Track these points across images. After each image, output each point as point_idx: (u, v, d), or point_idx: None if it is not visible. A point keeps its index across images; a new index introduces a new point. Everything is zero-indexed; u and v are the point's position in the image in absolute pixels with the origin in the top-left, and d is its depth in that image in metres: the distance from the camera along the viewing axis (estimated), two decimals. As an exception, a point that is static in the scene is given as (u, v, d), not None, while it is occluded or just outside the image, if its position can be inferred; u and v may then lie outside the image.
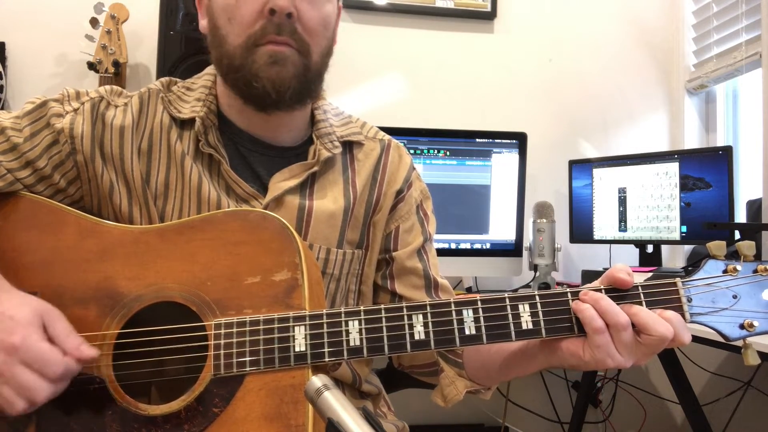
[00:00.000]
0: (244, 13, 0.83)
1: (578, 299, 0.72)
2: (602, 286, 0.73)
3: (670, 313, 0.69)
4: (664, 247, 2.11)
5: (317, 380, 0.57)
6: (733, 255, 0.74)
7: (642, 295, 0.71)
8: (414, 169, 1.04)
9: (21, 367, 0.67)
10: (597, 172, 2.10)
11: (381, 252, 0.99)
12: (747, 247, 0.72)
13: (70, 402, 0.72)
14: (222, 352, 0.72)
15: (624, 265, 0.73)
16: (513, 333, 0.72)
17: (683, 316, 0.71)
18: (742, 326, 0.71)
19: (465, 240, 2.00)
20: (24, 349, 0.67)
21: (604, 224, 2.08)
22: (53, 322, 0.71)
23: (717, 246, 0.73)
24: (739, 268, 0.72)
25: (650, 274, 1.63)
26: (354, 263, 0.95)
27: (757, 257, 0.73)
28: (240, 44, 0.83)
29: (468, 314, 0.72)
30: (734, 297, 0.72)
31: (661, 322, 0.68)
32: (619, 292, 0.72)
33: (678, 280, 0.72)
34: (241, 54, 0.83)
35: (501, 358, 0.84)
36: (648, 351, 0.70)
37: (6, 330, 0.67)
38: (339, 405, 0.55)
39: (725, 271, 0.72)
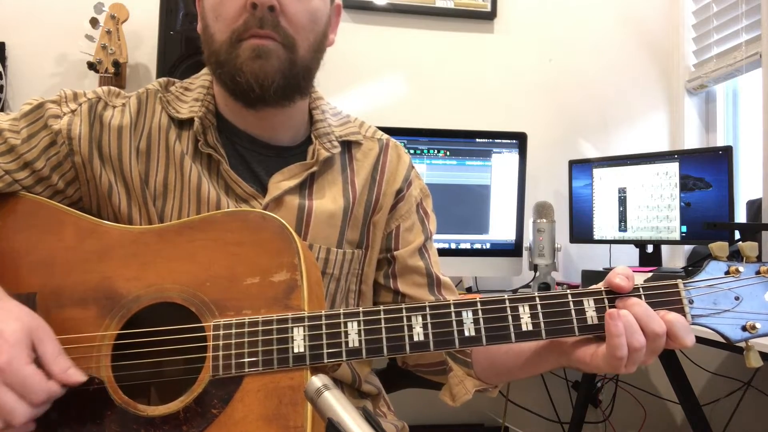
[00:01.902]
0: (228, 9, 0.83)
1: (616, 309, 0.70)
2: (603, 288, 0.73)
3: (673, 315, 0.69)
4: (664, 247, 2.11)
5: (317, 380, 0.57)
6: (734, 255, 0.74)
7: (643, 297, 0.71)
8: (413, 167, 1.03)
9: (3, 389, 0.65)
10: (597, 172, 2.10)
11: (382, 251, 0.99)
12: (750, 248, 0.72)
13: (69, 402, 0.71)
14: (221, 353, 0.72)
15: (624, 267, 0.73)
16: (513, 335, 0.72)
17: (685, 317, 0.71)
18: (744, 328, 0.71)
19: (465, 240, 2.00)
20: (9, 371, 0.65)
21: (604, 224, 2.08)
22: (43, 341, 0.69)
23: (719, 247, 0.73)
24: (741, 269, 0.72)
25: (650, 274, 1.63)
26: (354, 263, 0.95)
27: (759, 258, 0.73)
28: (225, 40, 0.84)
29: (467, 315, 0.72)
30: (736, 298, 0.71)
31: (655, 320, 0.68)
32: (620, 294, 0.72)
33: (679, 281, 0.72)
34: (226, 49, 0.84)
35: (511, 359, 0.84)
36: (647, 353, 0.70)
37: None
38: (339, 405, 0.55)
39: (727, 273, 0.72)
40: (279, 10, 0.82)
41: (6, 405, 0.65)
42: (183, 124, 0.89)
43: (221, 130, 0.91)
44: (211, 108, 0.91)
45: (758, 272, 0.72)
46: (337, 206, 0.92)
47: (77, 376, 0.70)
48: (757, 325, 0.70)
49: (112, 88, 0.92)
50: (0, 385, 0.65)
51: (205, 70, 0.95)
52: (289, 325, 0.72)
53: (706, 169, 1.86)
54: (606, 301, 0.72)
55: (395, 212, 0.99)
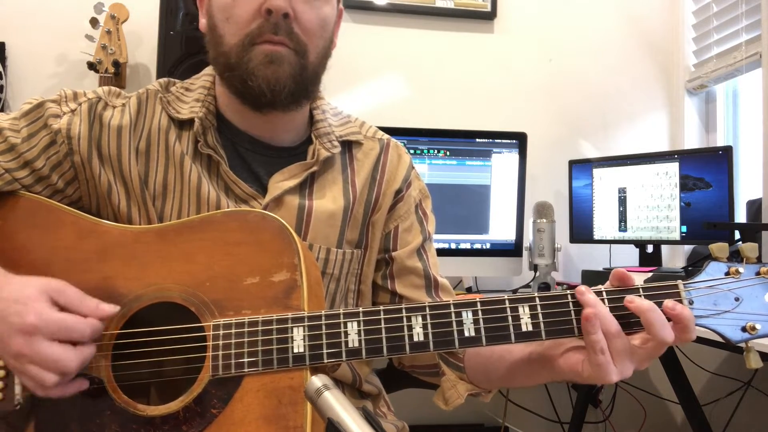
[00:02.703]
0: (241, 13, 0.83)
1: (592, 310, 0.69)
2: (603, 288, 0.73)
3: (686, 312, 0.69)
4: (664, 247, 2.11)
5: (317, 380, 0.57)
6: (734, 255, 0.74)
7: (643, 297, 0.71)
8: (413, 168, 1.03)
9: (45, 343, 0.67)
10: (597, 172, 2.10)
11: (380, 252, 0.99)
12: (750, 249, 0.72)
13: (69, 402, 0.72)
14: (220, 353, 0.72)
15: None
16: (512, 335, 0.72)
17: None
18: (744, 329, 0.71)
19: (465, 240, 2.00)
20: (44, 324, 0.67)
21: (604, 224, 2.08)
22: (61, 292, 0.71)
23: (719, 248, 0.73)
24: (741, 270, 0.72)
25: (650, 275, 1.63)
26: (353, 263, 0.95)
27: (759, 259, 0.73)
28: (236, 43, 0.83)
29: (467, 316, 0.72)
30: (736, 299, 0.71)
31: (666, 328, 0.68)
32: (621, 293, 0.71)
33: (680, 282, 0.72)
34: (237, 53, 0.83)
35: (503, 368, 0.84)
36: (646, 356, 0.70)
37: (17, 313, 0.67)
38: (339, 405, 0.55)
39: (727, 274, 0.72)
40: (293, 17, 0.83)
41: (53, 355, 0.67)
42: (183, 124, 0.89)
43: (221, 130, 0.91)
44: (212, 108, 0.91)
45: (758, 273, 0.72)
46: (337, 206, 0.92)
47: (110, 309, 0.72)
48: (757, 326, 0.70)
49: (113, 88, 0.92)
50: (42, 339, 0.67)
51: (206, 70, 0.95)
52: (289, 325, 0.72)
53: (706, 169, 1.86)
54: (606, 301, 0.71)
55: (394, 212, 0.99)
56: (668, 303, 0.69)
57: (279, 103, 0.86)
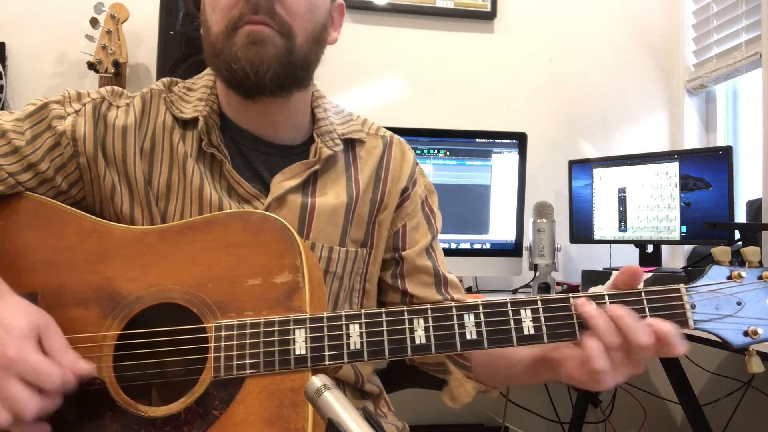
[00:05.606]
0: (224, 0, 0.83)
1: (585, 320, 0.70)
2: (605, 293, 0.72)
3: (665, 325, 0.68)
4: (664, 247, 2.11)
5: (317, 380, 0.57)
6: (734, 255, 0.74)
7: (645, 301, 0.71)
8: (417, 164, 1.03)
9: (14, 381, 0.64)
10: (597, 172, 2.10)
11: (388, 251, 0.99)
12: (752, 253, 0.72)
13: (70, 403, 0.71)
14: (222, 354, 0.72)
15: (632, 266, 0.73)
16: (514, 338, 0.72)
17: (687, 322, 0.70)
18: (746, 333, 0.71)
19: (465, 240, 2.00)
20: (19, 361, 0.65)
21: (604, 224, 2.08)
22: (49, 335, 0.69)
23: (721, 252, 0.72)
24: (743, 274, 0.72)
25: (650, 275, 1.63)
26: (358, 262, 0.95)
27: (761, 263, 0.72)
28: (221, 30, 0.83)
29: (469, 319, 0.72)
30: (738, 304, 0.71)
31: (641, 332, 0.67)
32: (623, 297, 0.71)
33: (682, 286, 0.72)
34: (222, 39, 0.83)
35: (507, 367, 0.85)
36: (636, 362, 0.70)
37: (0, 341, 0.66)
38: (339, 405, 0.55)
39: (729, 278, 0.72)
40: None
41: (16, 396, 0.64)
42: (187, 124, 0.89)
43: (224, 129, 0.91)
44: (215, 107, 0.91)
45: (760, 277, 0.71)
46: (339, 201, 0.92)
47: (86, 368, 0.69)
48: (759, 331, 0.70)
49: (116, 88, 0.92)
50: (10, 377, 0.64)
51: (208, 70, 0.95)
52: (291, 326, 0.72)
53: (706, 169, 1.86)
54: (608, 304, 0.71)
55: (401, 211, 0.99)
56: (651, 321, 0.69)
57: (265, 87, 0.83)
